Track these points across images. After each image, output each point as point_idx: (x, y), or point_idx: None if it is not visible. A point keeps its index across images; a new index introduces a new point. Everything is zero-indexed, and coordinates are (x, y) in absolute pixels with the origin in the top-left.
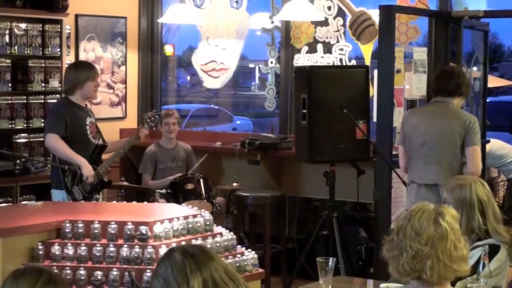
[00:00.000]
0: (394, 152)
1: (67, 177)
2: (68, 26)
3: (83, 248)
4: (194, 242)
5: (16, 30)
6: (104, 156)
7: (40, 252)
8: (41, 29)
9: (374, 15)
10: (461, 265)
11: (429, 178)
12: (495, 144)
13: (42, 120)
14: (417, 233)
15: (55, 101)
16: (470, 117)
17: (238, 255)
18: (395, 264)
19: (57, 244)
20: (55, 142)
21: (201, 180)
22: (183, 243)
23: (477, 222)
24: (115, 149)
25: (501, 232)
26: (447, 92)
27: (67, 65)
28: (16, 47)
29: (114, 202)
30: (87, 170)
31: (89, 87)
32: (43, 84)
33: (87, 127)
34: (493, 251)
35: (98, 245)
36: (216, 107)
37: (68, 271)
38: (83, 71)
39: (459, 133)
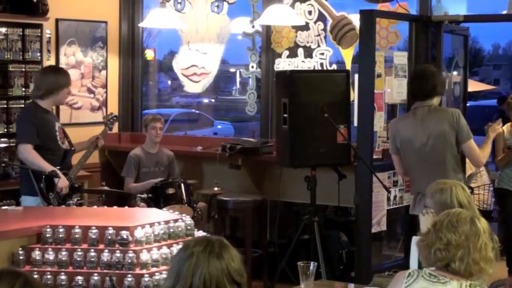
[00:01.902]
0: (375, 156)
1: (42, 183)
2: (48, 30)
3: (63, 253)
4: (175, 247)
5: None
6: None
7: (21, 257)
8: (21, 33)
9: (355, 19)
10: (487, 265)
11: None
12: None
13: None
14: (453, 225)
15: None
16: (453, 111)
17: None
18: (427, 252)
19: (37, 249)
20: (28, 154)
21: (182, 184)
22: (164, 248)
23: None
24: (79, 150)
25: None
26: (424, 95)
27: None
28: None
29: (95, 206)
30: (62, 182)
31: (64, 94)
32: (24, 89)
33: (57, 133)
34: None
35: (79, 250)
36: (197, 111)
37: (49, 276)
38: (62, 76)
39: (450, 133)
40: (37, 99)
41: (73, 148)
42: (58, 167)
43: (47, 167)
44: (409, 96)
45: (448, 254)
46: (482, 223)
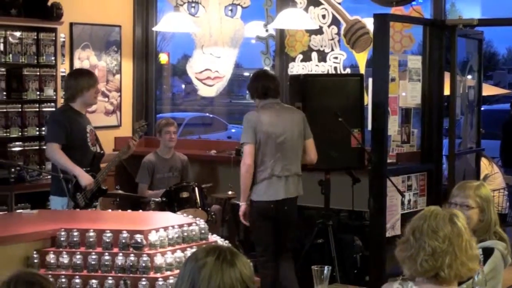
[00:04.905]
0: (389, 160)
1: (70, 183)
2: (62, 34)
3: (78, 256)
4: (189, 250)
5: (10, 39)
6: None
7: (35, 261)
8: (35, 37)
9: (369, 23)
10: (475, 264)
11: (293, 169)
12: None
13: (37, 129)
14: (434, 231)
15: (52, 109)
16: (300, 111)
17: None
18: (412, 264)
19: (52, 252)
20: (54, 152)
21: (196, 188)
22: (178, 251)
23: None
24: (109, 160)
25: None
26: (276, 92)
27: (62, 73)
28: (10, 55)
29: (109, 210)
30: (85, 179)
31: (90, 94)
32: (38, 93)
33: (87, 135)
34: (487, 253)
35: (93, 253)
36: (211, 115)
37: (63, 280)
38: (83, 78)
39: (302, 127)
40: (69, 101)
41: (102, 152)
42: (87, 169)
43: (71, 166)
44: (259, 95)
45: (435, 263)
46: (461, 220)
